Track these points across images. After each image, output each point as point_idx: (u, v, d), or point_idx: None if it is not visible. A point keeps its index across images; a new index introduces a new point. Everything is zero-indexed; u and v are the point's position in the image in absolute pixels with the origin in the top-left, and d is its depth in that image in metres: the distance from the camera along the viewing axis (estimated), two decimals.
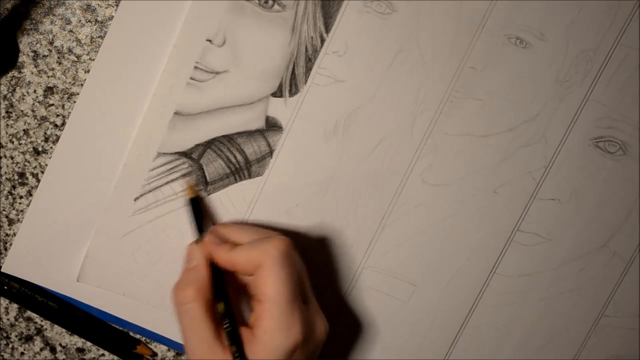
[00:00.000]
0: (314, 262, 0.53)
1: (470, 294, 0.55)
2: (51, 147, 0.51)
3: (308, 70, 0.51)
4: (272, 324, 0.44)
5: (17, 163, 0.52)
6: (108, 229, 0.51)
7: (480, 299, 0.55)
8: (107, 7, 0.50)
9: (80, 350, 0.55)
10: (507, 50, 0.51)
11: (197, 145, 0.51)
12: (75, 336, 0.55)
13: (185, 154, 0.51)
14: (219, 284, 0.47)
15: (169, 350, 0.55)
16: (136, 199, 0.51)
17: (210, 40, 0.49)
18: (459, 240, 0.54)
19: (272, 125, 0.51)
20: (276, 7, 0.49)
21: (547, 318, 0.56)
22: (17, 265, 0.52)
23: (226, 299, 0.46)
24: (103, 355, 0.55)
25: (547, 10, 0.51)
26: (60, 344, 0.55)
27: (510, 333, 0.56)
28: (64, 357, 0.55)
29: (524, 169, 0.53)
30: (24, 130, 0.51)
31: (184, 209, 0.51)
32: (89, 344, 0.55)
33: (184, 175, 0.51)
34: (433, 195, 0.53)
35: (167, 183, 0.51)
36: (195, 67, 0.50)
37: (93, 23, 0.51)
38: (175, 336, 0.53)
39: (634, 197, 0.54)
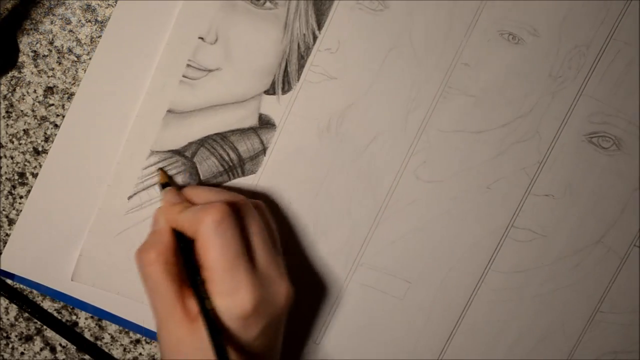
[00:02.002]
0: (308, 259, 0.53)
1: (465, 290, 0.55)
2: (54, 140, 0.51)
3: (301, 67, 0.51)
4: (215, 289, 0.43)
5: (17, 163, 0.52)
6: (102, 228, 0.51)
7: (476, 296, 0.55)
8: (107, 7, 0.50)
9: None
10: (500, 46, 0.51)
11: (191, 143, 0.51)
12: None
13: (178, 152, 0.51)
14: (186, 247, 0.46)
15: None
16: (130, 197, 0.51)
17: (202, 38, 0.49)
18: (454, 237, 0.54)
19: (265, 123, 0.51)
20: (268, 4, 0.49)
21: (543, 314, 0.55)
22: (13, 263, 0.52)
23: (189, 259, 0.45)
24: None
25: (540, 6, 0.51)
26: (60, 344, 0.55)
27: (505, 329, 0.56)
28: (64, 357, 0.55)
29: (517, 164, 0.53)
30: (24, 130, 0.51)
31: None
32: None
33: (177, 174, 0.51)
34: (427, 192, 0.53)
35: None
36: (188, 65, 0.50)
37: (93, 23, 0.51)
38: None
39: (628, 193, 0.54)
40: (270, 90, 0.51)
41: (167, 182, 0.50)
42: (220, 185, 0.52)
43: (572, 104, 0.52)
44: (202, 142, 0.51)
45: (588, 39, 0.52)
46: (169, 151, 0.51)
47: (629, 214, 0.54)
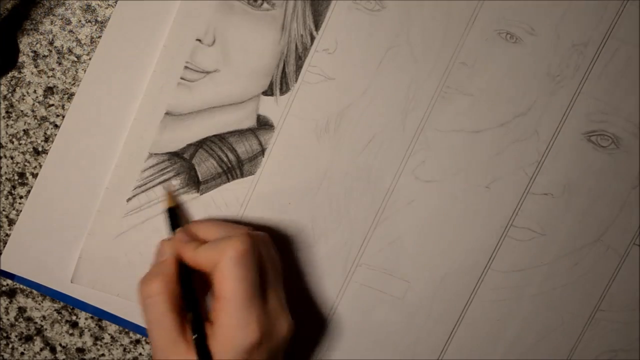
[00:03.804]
0: (307, 260, 0.53)
1: (464, 290, 0.55)
2: (53, 143, 0.51)
3: (298, 68, 0.51)
4: (228, 321, 0.44)
5: (17, 163, 0.52)
6: (101, 230, 0.51)
7: (475, 295, 0.55)
8: (107, 8, 0.50)
9: (80, 350, 0.55)
10: (497, 46, 0.51)
11: (189, 145, 0.51)
12: (75, 336, 0.55)
13: (176, 154, 0.51)
14: (187, 280, 0.47)
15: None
16: (128, 199, 0.51)
17: (200, 40, 0.49)
18: (453, 237, 0.54)
19: (263, 124, 0.51)
20: (265, 5, 0.49)
21: (542, 313, 0.55)
22: (13, 264, 0.52)
23: (192, 294, 0.46)
24: (103, 355, 0.55)
25: (538, 5, 0.51)
26: (60, 344, 0.55)
27: (505, 328, 0.56)
28: (64, 357, 0.55)
29: (516, 164, 0.53)
30: (24, 130, 0.51)
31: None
32: (89, 343, 0.55)
33: (175, 176, 0.51)
34: (426, 192, 0.53)
35: (159, 183, 0.51)
36: (186, 67, 0.50)
37: (93, 23, 0.51)
38: None
39: (627, 191, 0.54)
40: (268, 92, 0.51)
41: (173, 207, 0.50)
42: (222, 218, 0.52)
43: (571, 103, 0.52)
44: (201, 144, 0.51)
45: (586, 37, 0.51)
46: (167, 153, 0.51)
47: (628, 212, 0.54)
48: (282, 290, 0.48)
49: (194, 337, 0.45)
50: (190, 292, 0.47)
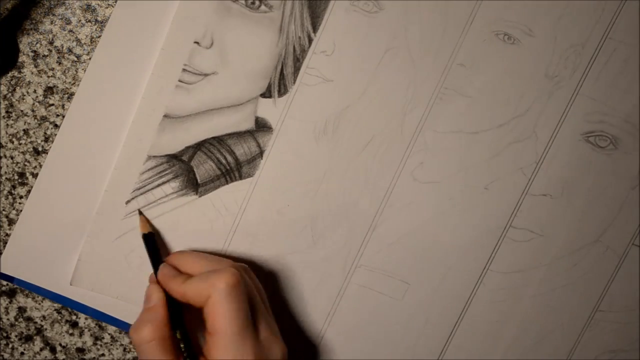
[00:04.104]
0: (306, 261, 0.53)
1: (463, 291, 0.55)
2: (51, 147, 0.52)
3: (296, 70, 0.51)
4: (222, 355, 0.44)
5: (17, 163, 0.52)
6: (100, 233, 0.51)
7: (474, 296, 0.55)
8: (107, 7, 0.50)
9: (80, 350, 0.55)
10: (495, 47, 0.51)
11: (187, 148, 0.51)
12: (75, 336, 0.55)
13: (175, 157, 0.51)
14: (176, 317, 0.47)
15: None
16: (127, 202, 0.51)
17: (197, 42, 0.49)
18: (452, 238, 0.54)
19: (261, 126, 0.51)
20: (263, 7, 0.49)
21: (542, 314, 0.55)
22: (12, 266, 0.52)
23: (184, 332, 0.47)
24: (103, 355, 0.55)
25: (535, 6, 0.51)
26: (60, 344, 0.55)
27: (504, 329, 0.56)
28: (64, 357, 0.55)
29: (514, 165, 0.53)
30: (24, 130, 0.51)
31: (174, 211, 0.51)
32: (89, 343, 0.55)
33: (174, 178, 0.51)
34: (424, 193, 0.53)
35: (158, 186, 0.51)
36: (184, 70, 0.50)
37: (93, 23, 0.51)
38: None
39: (626, 191, 0.54)
40: (267, 94, 0.51)
41: (149, 233, 0.50)
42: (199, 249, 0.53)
43: (569, 104, 0.52)
44: (199, 146, 0.51)
45: (584, 38, 0.51)
46: (166, 156, 0.51)
47: (627, 213, 0.54)
48: (271, 316, 0.49)
49: None
50: (183, 330, 0.47)
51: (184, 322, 0.48)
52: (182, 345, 0.47)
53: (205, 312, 0.45)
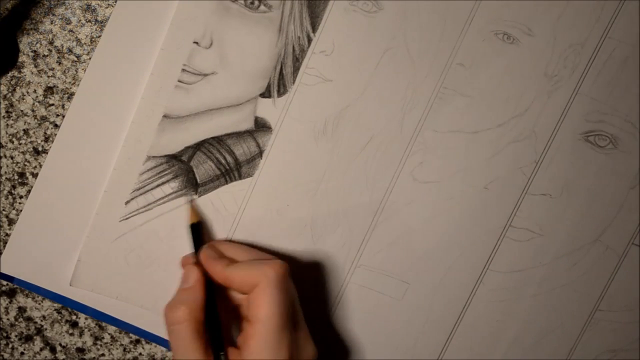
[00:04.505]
0: (306, 261, 0.53)
1: (463, 290, 0.55)
2: (51, 148, 0.52)
3: (296, 70, 0.51)
4: (261, 345, 0.44)
5: (17, 163, 0.52)
6: (100, 233, 0.51)
7: (474, 296, 0.55)
8: (107, 7, 0.50)
9: (80, 350, 0.55)
10: (494, 46, 0.51)
11: (187, 148, 0.51)
12: (75, 336, 0.55)
13: (174, 157, 0.51)
14: (211, 304, 0.47)
15: (169, 350, 0.56)
16: (127, 202, 0.51)
17: (197, 43, 0.49)
18: (451, 238, 0.54)
19: (261, 126, 0.51)
20: (262, 7, 0.49)
21: (541, 314, 0.55)
22: (12, 266, 0.52)
23: (217, 320, 0.47)
24: (103, 355, 0.55)
25: (534, 5, 0.51)
26: (60, 344, 0.55)
27: (504, 329, 0.56)
28: (64, 357, 0.55)
29: (514, 164, 0.53)
30: (24, 130, 0.51)
31: (174, 211, 0.51)
32: (89, 343, 0.55)
33: (173, 179, 0.51)
34: (424, 193, 0.53)
35: (157, 186, 0.51)
36: (183, 70, 0.50)
37: (93, 23, 0.51)
38: None
39: (626, 191, 0.54)
40: (266, 94, 0.51)
41: (197, 223, 0.50)
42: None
43: (568, 103, 0.52)
44: (199, 146, 0.51)
45: (583, 37, 0.51)
46: (165, 156, 0.51)
47: (626, 212, 0.54)
48: (304, 320, 0.48)
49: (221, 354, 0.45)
50: (215, 318, 0.47)
51: (217, 307, 0.47)
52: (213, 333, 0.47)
53: (250, 299, 0.45)
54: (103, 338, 0.55)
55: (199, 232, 0.51)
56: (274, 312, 0.44)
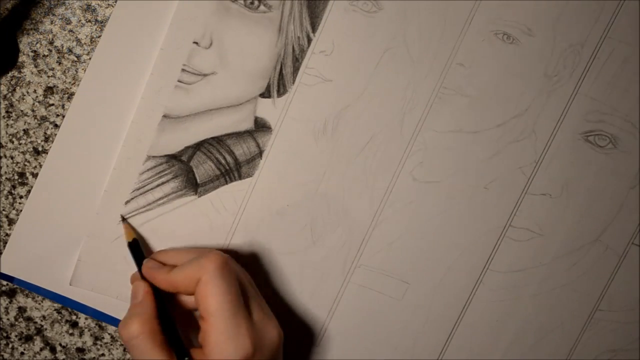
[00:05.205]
0: (306, 261, 0.53)
1: (463, 290, 0.55)
2: (51, 148, 0.52)
3: (296, 70, 0.51)
4: (219, 337, 0.44)
5: (17, 163, 0.52)
6: (100, 233, 0.51)
7: (474, 296, 0.55)
8: (107, 7, 0.50)
9: (80, 350, 0.55)
10: (494, 46, 0.51)
11: (187, 148, 0.51)
12: (75, 336, 0.55)
13: (174, 157, 0.51)
14: (164, 312, 0.47)
15: None
16: (127, 202, 0.51)
17: (197, 43, 0.49)
18: (451, 237, 0.54)
19: (261, 126, 0.51)
20: (262, 7, 0.49)
21: (541, 313, 0.55)
22: (12, 266, 0.52)
23: (173, 326, 0.47)
24: (103, 355, 0.55)
25: (534, 5, 0.51)
26: (60, 344, 0.55)
27: (504, 329, 0.56)
28: (64, 357, 0.55)
29: (514, 164, 0.53)
30: (24, 130, 0.51)
31: (174, 211, 0.51)
32: (89, 343, 0.55)
33: (173, 179, 0.51)
34: (424, 193, 0.53)
35: (157, 186, 0.51)
36: (183, 70, 0.50)
37: (93, 23, 0.51)
38: None
39: (626, 190, 0.54)
40: (266, 94, 0.51)
41: (134, 240, 0.50)
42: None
43: (568, 103, 0.52)
44: (199, 146, 0.51)
45: (583, 37, 0.51)
46: (165, 156, 0.51)
47: (626, 212, 0.54)
48: (262, 299, 0.48)
49: None
50: (171, 325, 0.47)
51: (170, 313, 0.47)
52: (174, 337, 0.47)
53: (196, 297, 0.45)
54: (103, 338, 0.55)
55: (139, 248, 0.50)
56: (222, 300, 0.44)
